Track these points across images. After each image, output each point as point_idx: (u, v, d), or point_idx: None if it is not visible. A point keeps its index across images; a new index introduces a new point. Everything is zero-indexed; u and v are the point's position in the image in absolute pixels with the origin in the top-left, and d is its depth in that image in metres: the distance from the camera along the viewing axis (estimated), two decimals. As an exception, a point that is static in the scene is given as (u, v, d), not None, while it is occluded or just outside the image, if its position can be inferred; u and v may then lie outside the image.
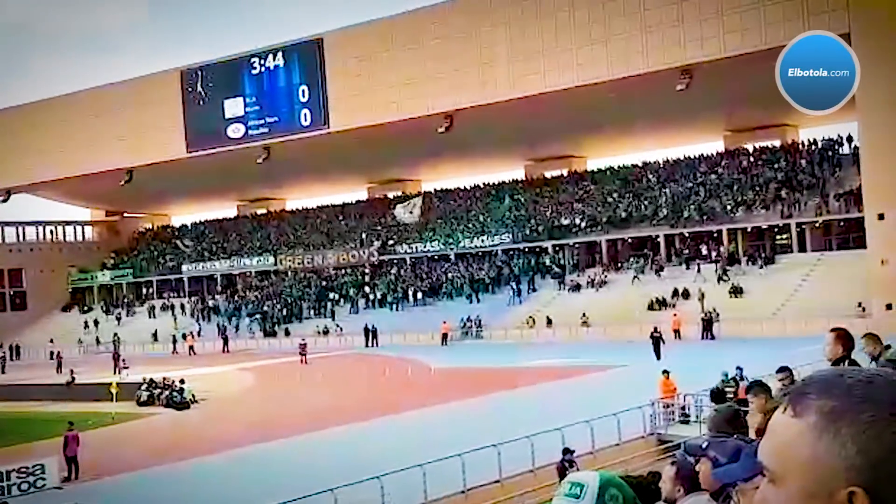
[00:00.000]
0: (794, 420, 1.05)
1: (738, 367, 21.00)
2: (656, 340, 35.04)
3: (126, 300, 71.40)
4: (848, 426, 1.01)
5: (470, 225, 59.95)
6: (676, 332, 40.58)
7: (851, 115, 41.40)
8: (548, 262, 54.37)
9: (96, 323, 66.67)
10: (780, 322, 39.82)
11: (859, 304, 38.72)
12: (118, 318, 67.62)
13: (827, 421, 1.02)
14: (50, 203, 77.57)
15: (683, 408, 21.40)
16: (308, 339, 48.34)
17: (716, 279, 45.63)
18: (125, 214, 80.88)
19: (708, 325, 40.52)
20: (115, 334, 61.45)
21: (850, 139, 50.09)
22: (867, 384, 1.03)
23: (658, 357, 33.62)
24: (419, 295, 56.29)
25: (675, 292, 45.83)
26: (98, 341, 62.73)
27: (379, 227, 64.47)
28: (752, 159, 53.63)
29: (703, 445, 3.30)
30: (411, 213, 59.60)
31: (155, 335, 61.98)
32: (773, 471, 1.06)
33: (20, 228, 75.60)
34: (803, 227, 46.94)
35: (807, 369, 20.06)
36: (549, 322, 47.22)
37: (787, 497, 1.05)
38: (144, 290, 72.24)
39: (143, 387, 33.16)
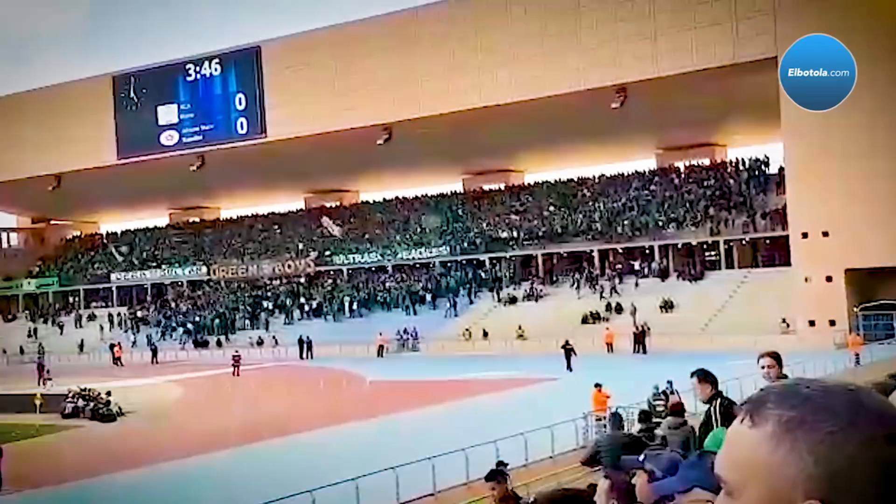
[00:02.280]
0: (751, 430, 1.03)
1: (668, 381, 21.43)
2: (567, 353, 36.27)
3: (52, 309, 69.48)
4: (806, 436, 1.00)
5: (407, 236, 59.99)
6: (609, 345, 41.19)
7: (777, 135, 42.78)
8: (484, 274, 54.70)
9: (35, 332, 64.51)
10: (709, 336, 40.73)
11: (783, 321, 39.89)
12: (32, 331, 65.69)
13: (784, 431, 1.01)
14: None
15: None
16: (241, 350, 47.67)
17: (648, 294, 46.48)
18: (52, 221, 78.76)
19: (640, 338, 41.24)
20: (40, 344, 59.77)
21: (766, 162, 51.76)
22: (825, 394, 1.02)
23: (569, 369, 35.17)
24: (355, 306, 56.06)
25: (609, 306, 46.55)
26: (22, 351, 60.90)
27: (315, 238, 64.04)
28: (682, 177, 54.85)
29: (640, 458, 3.38)
30: (329, 225, 59.32)
31: (81, 346, 60.41)
32: (730, 482, 1.05)
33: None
34: (731, 244, 48.18)
35: (733, 384, 20.57)
36: (486, 334, 47.49)
37: None
38: (71, 300, 70.40)
39: (68, 398, 32.31)
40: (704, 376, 7.26)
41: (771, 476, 1.01)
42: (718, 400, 7.15)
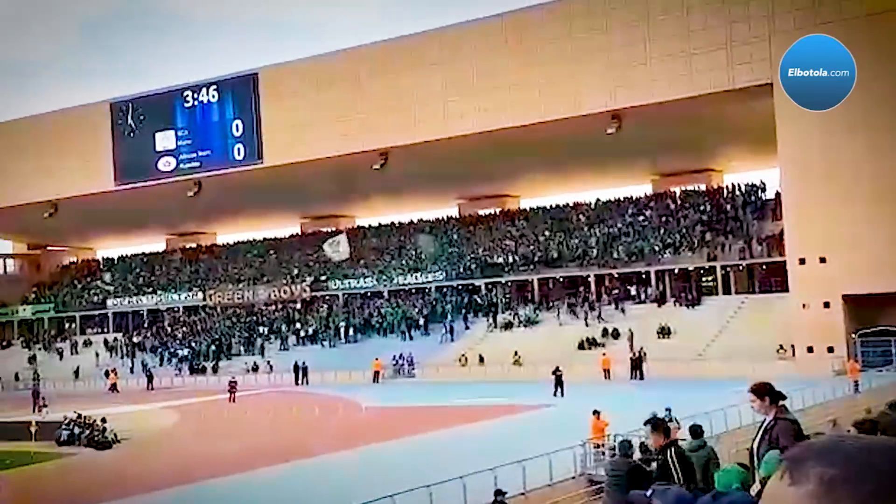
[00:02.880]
0: (791, 488, 1.01)
1: (667, 409, 21.31)
2: (558, 378, 36.46)
3: (47, 336, 69.21)
4: (846, 495, 0.98)
5: (403, 262, 59.97)
6: (606, 371, 41.07)
7: (773, 161, 42.96)
8: (480, 300, 54.63)
9: (34, 359, 64.08)
10: (706, 363, 40.66)
11: (780, 347, 39.83)
12: (31, 358, 65.38)
13: (826, 490, 0.99)
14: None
15: (614, 448, 21.57)
16: (237, 376, 47.51)
17: (644, 319, 46.43)
18: (48, 247, 78.65)
19: (637, 364, 41.13)
20: (35, 371, 59.45)
21: (763, 188, 51.97)
22: (868, 451, 1.01)
23: (560, 395, 35.47)
24: (351, 331, 55.92)
25: (606, 332, 46.48)
26: (17, 378, 60.59)
27: (311, 263, 63.99)
28: (678, 202, 55.00)
29: (647, 494, 3.37)
30: (338, 251, 59.21)
31: (77, 372, 60.12)
32: None
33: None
34: (728, 269, 48.21)
35: (732, 411, 20.50)
36: (482, 360, 47.35)
37: None
38: (67, 326, 70.15)
39: (64, 426, 32.11)
40: (656, 426, 7.30)
41: None
42: (673, 449, 7.15)
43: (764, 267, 47.30)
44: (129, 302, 67.98)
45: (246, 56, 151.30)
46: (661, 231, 52.16)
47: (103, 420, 31.54)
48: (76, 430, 31.53)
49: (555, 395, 35.71)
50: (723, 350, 41.42)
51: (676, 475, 6.56)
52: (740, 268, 48.15)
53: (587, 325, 48.05)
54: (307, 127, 52.65)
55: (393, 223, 66.64)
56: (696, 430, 10.91)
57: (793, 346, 39.65)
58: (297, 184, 57.65)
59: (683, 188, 56.33)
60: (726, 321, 44.54)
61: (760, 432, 6.33)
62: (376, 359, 48.56)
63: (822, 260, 38.56)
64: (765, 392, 6.44)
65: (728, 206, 52.24)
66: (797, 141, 39.01)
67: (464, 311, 53.96)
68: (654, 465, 10.27)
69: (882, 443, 1.03)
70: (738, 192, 53.49)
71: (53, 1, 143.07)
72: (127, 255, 76.83)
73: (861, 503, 0.98)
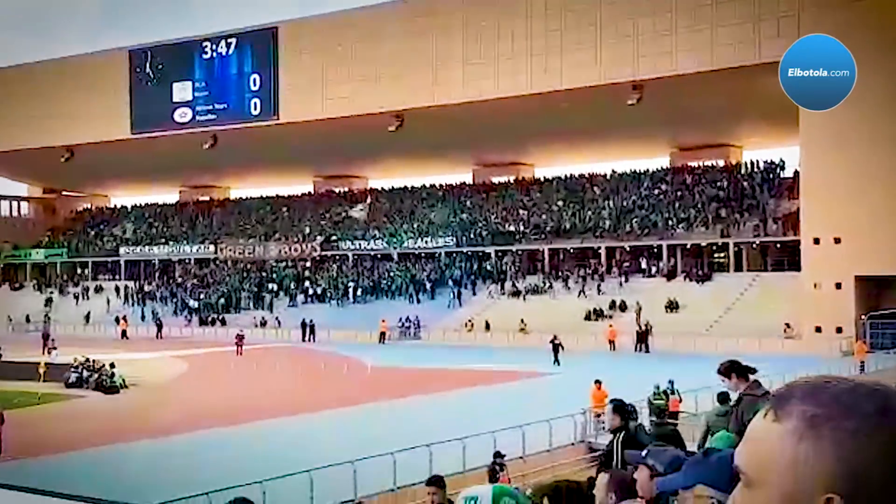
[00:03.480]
0: (775, 424, 1.04)
1: (669, 381, 21.37)
2: (555, 347, 36.92)
3: (59, 280, 69.74)
4: (830, 433, 1.01)
5: (414, 225, 59.93)
6: (612, 343, 41.11)
7: (794, 139, 42.54)
8: (489, 267, 54.64)
9: (50, 302, 64.52)
10: (713, 339, 40.60)
11: (787, 326, 39.75)
12: (47, 301, 65.96)
13: (809, 426, 1.02)
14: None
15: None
16: (244, 330, 47.80)
17: (654, 293, 46.35)
18: (63, 193, 78.98)
19: (643, 337, 41.12)
20: (46, 314, 60.01)
21: (781, 166, 51.53)
22: (852, 392, 1.03)
23: (556, 363, 35.93)
24: (359, 292, 56.08)
25: (613, 304, 46.46)
26: (28, 319, 61.19)
27: (323, 222, 64.04)
28: (695, 177, 54.62)
29: (643, 454, 3.35)
30: (363, 212, 59.52)
31: (87, 317, 60.67)
32: (750, 475, 1.06)
33: (-47, 201, 73.40)
34: (741, 246, 47.99)
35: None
36: (488, 326, 47.45)
37: (763, 502, 1.04)
38: (79, 271, 70.64)
39: (73, 368, 32.45)
40: (616, 407, 7.36)
41: (792, 471, 1.02)
42: (623, 434, 7.19)
43: (778, 245, 47.05)
44: (141, 251, 68.34)
45: (267, 9, 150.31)
46: (676, 206, 51.86)
47: (112, 365, 31.83)
48: (84, 374, 31.85)
49: (554, 363, 35.92)
50: (730, 327, 41.34)
51: (617, 460, 6.57)
52: (754, 245, 47.91)
53: (596, 296, 48.02)
54: (324, 85, 52.39)
55: (406, 187, 66.49)
56: (723, 397, 11.01)
57: (793, 324, 39.51)
58: (311, 142, 57.52)
59: (701, 163, 55.92)
60: (736, 298, 44.42)
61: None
62: (383, 320, 48.75)
63: (837, 240, 38.33)
64: (730, 371, 6.46)
65: (745, 183, 51.85)
66: (819, 120, 38.48)
67: (472, 277, 53.99)
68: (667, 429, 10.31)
69: (866, 385, 1.05)
70: (756, 170, 53.06)
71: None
72: (140, 205, 77.09)
73: (842, 441, 1.00)
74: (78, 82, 60.51)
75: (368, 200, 59.83)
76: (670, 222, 50.44)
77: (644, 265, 50.28)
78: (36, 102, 62.01)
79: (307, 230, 63.38)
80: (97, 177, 73.10)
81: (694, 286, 46.98)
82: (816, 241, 39.18)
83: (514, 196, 59.74)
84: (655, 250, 50.40)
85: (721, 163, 55.36)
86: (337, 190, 67.96)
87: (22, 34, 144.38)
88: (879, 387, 1.05)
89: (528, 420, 19.32)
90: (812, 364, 25.30)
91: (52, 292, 67.48)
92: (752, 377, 6.47)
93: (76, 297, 65.37)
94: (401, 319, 49.97)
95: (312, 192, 70.77)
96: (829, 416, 1.01)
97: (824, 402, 1.03)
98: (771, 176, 51.77)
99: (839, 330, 38.02)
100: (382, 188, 67.50)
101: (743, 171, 53.80)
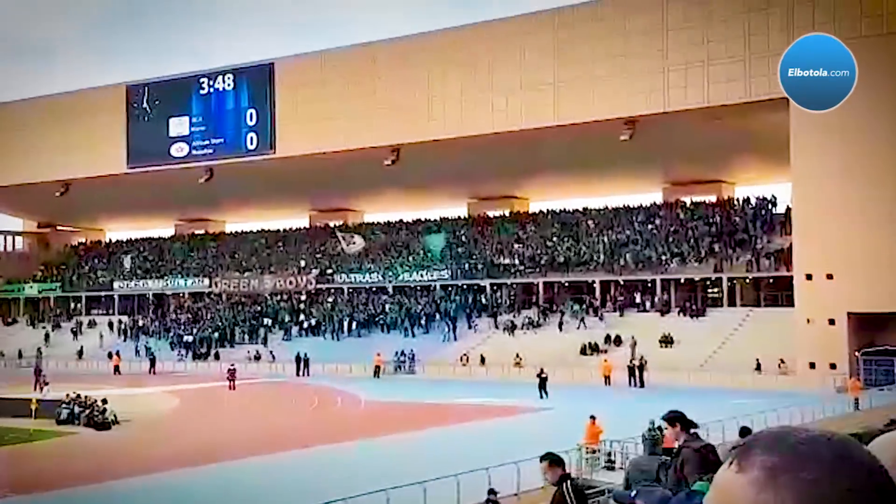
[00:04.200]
0: (737, 475, 1.06)
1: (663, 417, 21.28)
2: (542, 381, 37.13)
3: (53, 315, 69.48)
4: (789, 483, 1.02)
5: (409, 258, 60.02)
6: (607, 377, 41.03)
7: (786, 175, 42.87)
8: (484, 300, 54.66)
9: (48, 337, 64.13)
10: (707, 373, 40.59)
11: (781, 361, 39.77)
12: (46, 336, 65.68)
13: (769, 477, 1.03)
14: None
15: (609, 454, 21.59)
16: (238, 364, 47.63)
17: (648, 328, 46.36)
18: (58, 227, 78.97)
19: (638, 371, 41.06)
20: (38, 349, 59.66)
21: (773, 202, 51.83)
22: (811, 442, 1.05)
23: (544, 397, 36.17)
24: (354, 325, 56.00)
25: (608, 338, 46.45)
26: (20, 355, 60.84)
27: (318, 255, 64.09)
28: (688, 212, 54.90)
29: (632, 494, 3.40)
30: (353, 243, 59.57)
31: (80, 352, 60.37)
32: None
33: (-52, 235, 73.34)
34: (734, 282, 48.12)
35: (731, 423, 20.43)
36: (483, 360, 47.36)
37: None
38: (73, 306, 70.40)
39: (64, 405, 32.25)
40: (552, 461, 7.41)
41: None
42: (569, 482, 7.27)
43: (771, 281, 47.19)
44: (135, 285, 68.21)
45: (264, 46, 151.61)
46: (669, 240, 52.07)
47: (104, 401, 31.65)
48: (76, 410, 31.64)
49: (540, 397, 35.96)
50: (725, 362, 41.35)
51: None
52: (747, 280, 48.06)
53: (590, 330, 48.02)
54: (320, 120, 52.73)
55: (401, 220, 66.68)
56: (744, 431, 11.04)
57: (787, 360, 39.56)
58: (307, 176, 57.78)
59: (694, 198, 56.24)
60: (730, 333, 44.45)
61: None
62: (378, 354, 48.62)
63: (829, 276, 38.46)
64: (675, 420, 6.54)
65: (737, 219, 52.14)
66: (811, 156, 38.93)
67: (468, 310, 53.99)
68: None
69: (825, 435, 1.07)
70: (748, 206, 53.37)
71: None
72: (135, 239, 77.08)
73: (801, 491, 1.01)
74: (74, 117, 60.80)
75: (356, 236, 59.79)
76: (664, 257, 50.61)
77: (638, 299, 50.35)
78: (32, 137, 62.24)
79: (302, 263, 63.41)
80: (92, 211, 73.19)
81: (688, 321, 47.04)
82: (809, 276, 39.31)
83: (509, 229, 59.94)
84: (649, 285, 50.51)
85: (714, 198, 55.68)
86: (333, 223, 68.10)
87: (18, 69, 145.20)
88: (839, 437, 1.07)
89: (522, 456, 19.22)
90: (806, 400, 25.29)
91: (44, 327, 67.19)
92: (693, 430, 6.57)
93: (71, 332, 65.10)
94: (396, 353, 49.86)
95: (308, 225, 70.92)
96: (789, 467, 1.03)
97: (784, 453, 1.05)
98: (763, 212, 52.06)
99: (833, 366, 38.01)
100: (378, 221, 67.68)
101: (735, 206, 54.11)
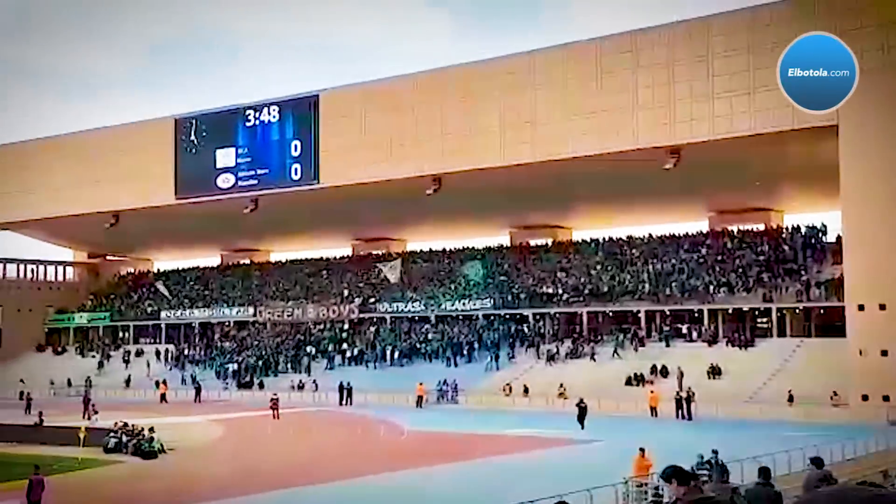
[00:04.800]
0: None
1: (713, 450, 20.88)
2: (582, 411, 36.55)
3: (101, 343, 70.55)
4: None
5: (452, 287, 59.97)
6: (653, 409, 40.39)
7: (835, 203, 42.09)
8: (527, 329, 54.32)
9: (101, 365, 65.30)
10: (757, 406, 39.77)
11: (834, 394, 38.83)
12: (100, 364, 66.69)
13: None
14: (32, 241, 77.10)
15: (657, 488, 21.16)
16: (282, 393, 47.82)
17: (695, 358, 45.63)
18: (107, 257, 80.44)
19: (685, 403, 40.35)
20: (88, 378, 60.63)
21: (823, 230, 50.92)
22: (871, 502, 1.03)
23: (582, 427, 35.40)
24: (397, 355, 55.99)
25: (654, 369, 45.80)
26: (69, 383, 61.79)
27: (361, 284, 64.35)
28: (735, 241, 54.16)
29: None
30: (395, 272, 59.77)
31: (128, 381, 61.15)
32: None
33: (1, 265, 75.05)
34: (784, 312, 47.23)
35: (782, 456, 19.95)
36: (526, 391, 46.96)
37: None
38: (121, 335, 71.48)
39: (112, 433, 32.57)
40: (673, 475, 7.17)
41: None
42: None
43: (821, 311, 46.24)
44: (181, 314, 69.07)
45: (308, 79, 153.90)
46: (716, 269, 51.35)
47: (151, 429, 31.90)
48: (123, 438, 31.93)
49: (581, 427, 35.36)
50: (775, 394, 40.48)
51: None
52: (797, 310, 47.13)
53: (635, 360, 47.40)
54: (364, 150, 53.13)
55: (444, 249, 66.77)
56: (765, 473, 10.75)
57: (839, 392, 38.62)
58: (350, 205, 58.17)
59: (741, 227, 55.50)
60: (780, 364, 43.56)
61: None
62: (420, 383, 48.50)
63: (882, 307, 37.57)
64: (672, 477, 6.32)
65: (786, 248, 51.28)
66: (860, 183, 38.23)
67: (510, 340, 53.70)
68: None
69: (888, 495, 1.06)
70: (797, 234, 52.48)
71: (126, 22, 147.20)
72: (181, 268, 78.18)
73: None
74: (124, 150, 62.02)
75: (396, 263, 59.99)
76: (711, 286, 49.90)
77: (685, 330, 49.63)
78: (83, 169, 63.59)
79: (345, 292, 63.70)
80: (141, 241, 74.44)
81: (736, 352, 46.22)
82: (861, 307, 38.41)
83: (552, 258, 59.64)
84: (696, 314, 49.79)
85: (762, 227, 54.89)
86: (376, 252, 68.40)
87: (70, 103, 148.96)
88: (889, 494, 1.04)
89: (567, 489, 18.92)
90: (859, 432, 24.60)
91: (94, 356, 68.24)
92: (694, 482, 6.35)
93: (122, 360, 66.04)
94: (438, 382, 49.68)
95: (351, 254, 71.35)
96: None
97: None
98: (813, 240, 51.14)
99: (886, 398, 37.03)
100: (420, 250, 67.83)
101: (784, 235, 53.25)
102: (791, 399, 39.38)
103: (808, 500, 0.88)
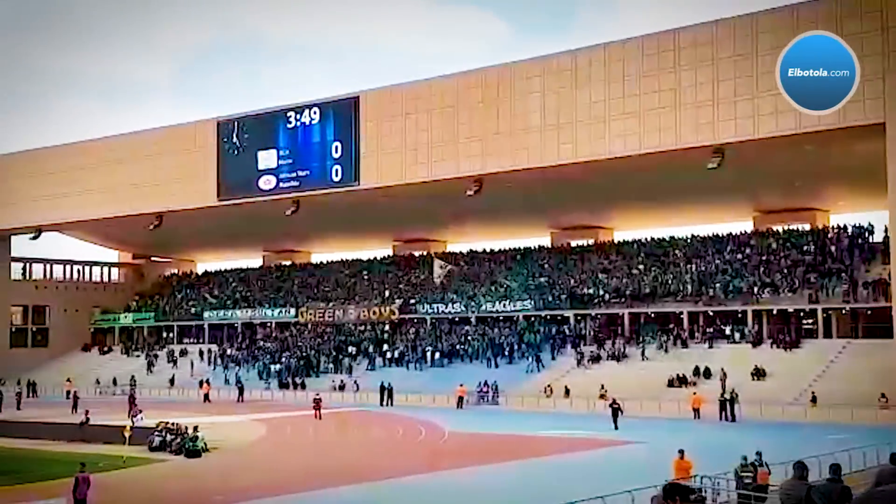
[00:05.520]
0: None
1: (757, 452, 20.57)
2: (615, 411, 36.70)
3: (146, 343, 71.62)
4: None
5: (492, 289, 59.86)
6: (696, 410, 39.93)
7: (882, 202, 41.25)
8: (568, 331, 54.04)
9: (150, 366, 66.39)
10: (803, 407, 39.15)
11: (882, 396, 38.06)
12: (149, 364, 67.70)
13: None
14: (78, 243, 78.55)
15: (700, 489, 20.91)
16: (323, 393, 48.12)
17: (739, 360, 45.02)
18: (151, 258, 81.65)
19: (729, 405, 39.82)
20: (132, 377, 61.58)
21: (871, 230, 49.96)
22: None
23: (615, 427, 35.49)
24: (437, 356, 56.04)
25: (697, 370, 45.29)
26: (115, 383, 62.81)
27: (402, 285, 64.52)
28: (780, 241, 53.36)
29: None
30: (445, 271, 59.97)
31: (172, 380, 61.98)
32: None
33: (48, 266, 76.60)
34: (830, 312, 46.41)
35: (827, 458, 19.61)
36: (567, 392, 46.72)
37: None
38: (165, 335, 72.50)
39: (156, 432, 33.02)
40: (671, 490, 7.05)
41: None
42: None
43: (868, 311, 45.37)
44: (224, 315, 69.85)
45: (349, 80, 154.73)
46: (761, 270, 50.62)
47: (195, 429, 32.26)
48: (168, 437, 32.35)
49: (615, 428, 35.26)
50: (821, 395, 39.78)
51: None
52: (843, 311, 46.28)
53: (678, 362, 46.90)
54: (404, 151, 53.20)
55: (484, 250, 66.68)
56: (800, 470, 10.56)
57: (888, 394, 37.79)
58: (391, 207, 58.32)
59: (786, 227, 54.66)
60: (826, 366, 42.82)
61: None
62: (461, 384, 48.49)
63: (931, 307, 36.74)
64: (670, 495, 6.21)
65: (833, 248, 50.39)
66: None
67: (551, 341, 53.45)
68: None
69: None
70: (844, 234, 51.54)
71: (168, 27, 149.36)
72: (224, 269, 79.07)
73: None
74: (168, 152, 62.83)
75: (448, 266, 60.14)
76: (755, 287, 49.19)
77: (728, 331, 48.99)
78: (127, 172, 64.51)
79: (386, 293, 63.91)
80: (184, 243, 75.41)
81: (781, 353, 45.52)
82: (910, 307, 37.59)
83: (594, 259, 59.26)
84: (740, 315, 49.13)
85: (807, 227, 54.00)
86: (416, 253, 68.50)
87: (115, 107, 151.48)
88: None
89: (608, 490, 18.79)
90: None
91: (138, 356, 69.32)
92: (692, 497, 6.32)
93: (168, 360, 67.01)
94: (479, 384, 49.63)
95: (392, 255, 71.57)
96: None
97: None
98: (860, 240, 50.19)
99: (937, 400, 36.18)
100: (461, 251, 67.81)
101: (830, 235, 52.33)
102: (883, 399, 38.20)
103: (865, 498, 0.84)
